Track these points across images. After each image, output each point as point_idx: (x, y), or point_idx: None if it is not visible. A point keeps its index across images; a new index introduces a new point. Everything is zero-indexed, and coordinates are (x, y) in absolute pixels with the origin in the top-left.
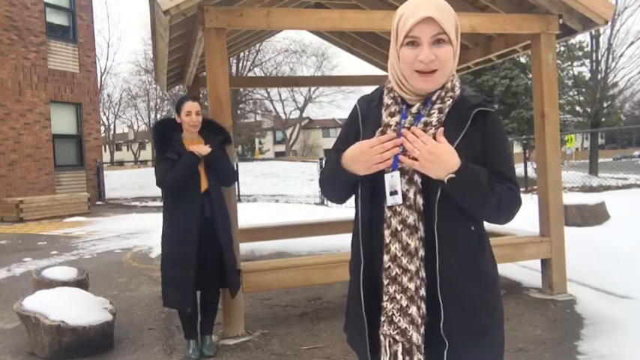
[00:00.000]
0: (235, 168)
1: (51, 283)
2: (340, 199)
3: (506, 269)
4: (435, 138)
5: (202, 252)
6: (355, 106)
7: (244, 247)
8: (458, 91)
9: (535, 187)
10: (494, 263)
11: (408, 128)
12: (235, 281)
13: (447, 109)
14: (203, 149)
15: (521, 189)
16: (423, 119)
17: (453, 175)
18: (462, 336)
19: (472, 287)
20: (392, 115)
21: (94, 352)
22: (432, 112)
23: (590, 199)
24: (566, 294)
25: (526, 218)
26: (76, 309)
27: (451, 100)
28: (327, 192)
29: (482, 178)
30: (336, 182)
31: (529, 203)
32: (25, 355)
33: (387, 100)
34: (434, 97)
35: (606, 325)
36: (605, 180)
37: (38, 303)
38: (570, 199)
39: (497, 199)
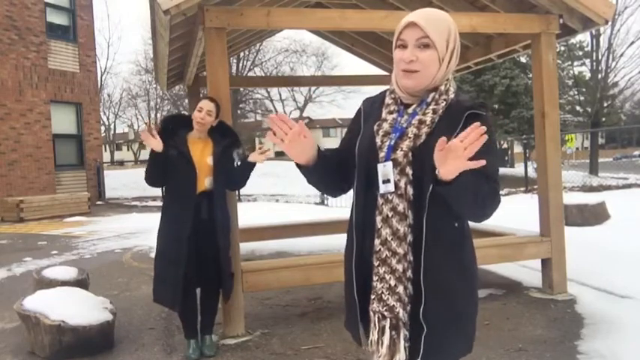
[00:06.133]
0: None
1: (51, 283)
2: (339, 190)
3: (506, 269)
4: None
5: (200, 252)
6: (360, 107)
7: (244, 247)
8: (452, 95)
9: (535, 186)
10: (475, 259)
11: (406, 127)
12: (228, 285)
13: (441, 111)
14: (152, 143)
15: (521, 189)
16: (418, 117)
17: (449, 180)
18: (439, 322)
19: (452, 278)
20: (390, 112)
21: (94, 352)
22: (427, 112)
23: (591, 198)
24: (566, 294)
25: (526, 218)
26: (77, 309)
27: (445, 103)
28: (325, 192)
29: (474, 187)
30: (318, 180)
31: (529, 203)
32: (25, 354)
33: (388, 100)
34: (429, 99)
35: (606, 325)
36: (606, 180)
37: (38, 303)
38: (570, 198)
39: (482, 200)
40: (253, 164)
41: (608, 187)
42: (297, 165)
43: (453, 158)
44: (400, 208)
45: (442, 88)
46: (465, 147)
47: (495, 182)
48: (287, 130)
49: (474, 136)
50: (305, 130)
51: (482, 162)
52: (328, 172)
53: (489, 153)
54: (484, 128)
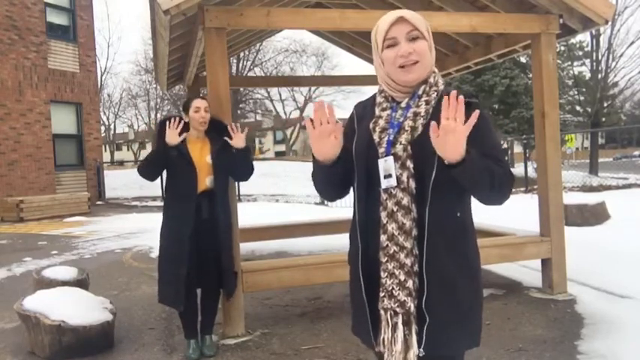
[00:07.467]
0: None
1: (51, 283)
2: (336, 196)
3: (506, 269)
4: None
5: (201, 252)
6: (352, 111)
7: (244, 247)
8: (442, 87)
9: (535, 186)
10: (478, 254)
11: (403, 121)
12: (231, 283)
13: (434, 102)
14: (174, 134)
15: (521, 189)
16: (412, 110)
17: (458, 160)
18: (442, 314)
19: (454, 270)
20: (384, 109)
21: (94, 352)
22: (420, 104)
23: (591, 198)
24: (566, 294)
25: (526, 218)
26: (77, 309)
27: (436, 94)
28: (323, 194)
29: (486, 165)
30: (324, 180)
31: (529, 203)
32: (25, 354)
33: (379, 99)
34: (420, 92)
35: (606, 325)
36: (606, 180)
37: (38, 303)
38: (570, 198)
39: (498, 179)
40: (244, 150)
41: (608, 187)
42: (314, 158)
43: (450, 134)
44: (405, 201)
45: (431, 80)
46: (454, 118)
47: (502, 161)
48: (324, 122)
49: (452, 104)
50: (338, 133)
51: (476, 113)
52: (337, 178)
53: (488, 137)
54: (454, 92)
